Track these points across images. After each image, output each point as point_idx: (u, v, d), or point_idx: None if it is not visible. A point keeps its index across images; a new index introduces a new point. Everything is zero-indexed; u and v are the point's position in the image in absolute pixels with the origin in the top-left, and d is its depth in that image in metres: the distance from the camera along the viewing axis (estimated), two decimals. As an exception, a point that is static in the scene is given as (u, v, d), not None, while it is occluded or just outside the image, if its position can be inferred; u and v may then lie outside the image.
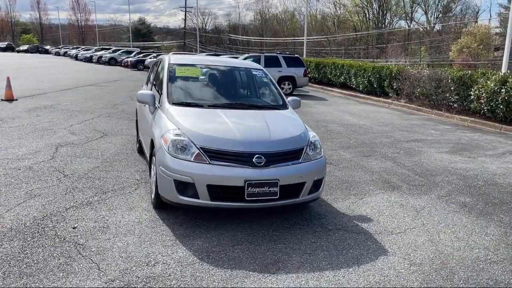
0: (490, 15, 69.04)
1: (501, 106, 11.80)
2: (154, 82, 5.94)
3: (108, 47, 53.55)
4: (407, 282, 3.40)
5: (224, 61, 6.28)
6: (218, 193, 4.03)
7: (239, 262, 3.57)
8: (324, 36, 62.61)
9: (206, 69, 5.51)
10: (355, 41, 67.46)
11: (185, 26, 70.63)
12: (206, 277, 3.30)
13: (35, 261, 3.38)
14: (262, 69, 5.91)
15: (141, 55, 36.72)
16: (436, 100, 14.52)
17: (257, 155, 4.10)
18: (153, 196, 4.60)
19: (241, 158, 4.08)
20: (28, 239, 3.76)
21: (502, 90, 11.78)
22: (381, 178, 6.32)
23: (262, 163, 4.08)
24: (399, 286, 3.32)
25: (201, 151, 4.07)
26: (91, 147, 7.23)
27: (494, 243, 4.23)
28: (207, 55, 27.47)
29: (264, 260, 3.62)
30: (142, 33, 78.42)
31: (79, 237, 3.86)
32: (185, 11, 67.77)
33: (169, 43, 77.41)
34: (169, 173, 4.08)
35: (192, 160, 4.05)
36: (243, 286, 3.20)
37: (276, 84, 5.71)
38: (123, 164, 6.32)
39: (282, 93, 5.59)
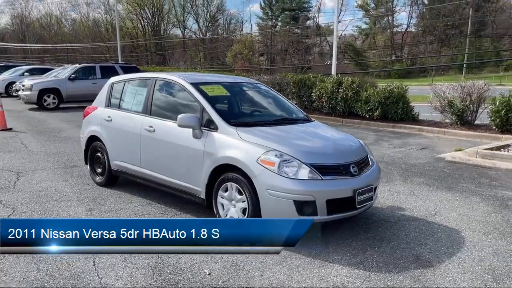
0: (251, 25, 78.33)
1: (341, 103, 14.22)
2: (153, 106, 5.18)
3: None
4: (505, 246, 4.29)
5: (227, 77, 6.04)
6: (333, 206, 4.13)
7: (388, 269, 3.75)
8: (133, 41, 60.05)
9: (226, 87, 5.23)
10: (134, 48, 66.95)
11: None
12: (396, 282, 3.50)
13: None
14: (262, 84, 5.95)
15: None
16: (279, 102, 16.29)
17: (352, 165, 4.36)
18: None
19: (343, 169, 4.28)
20: (189, 298, 3.15)
21: (340, 90, 14.20)
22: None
23: (357, 172, 4.37)
24: (508, 250, 4.19)
25: (312, 168, 4.09)
26: (35, 189, 5.77)
27: (491, 207, 5.54)
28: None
29: (395, 261, 3.90)
30: None
31: (231, 281, 3.42)
32: None
33: None
34: (287, 195, 3.96)
35: (307, 178, 4.04)
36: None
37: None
38: (110, 200, 5.38)
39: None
